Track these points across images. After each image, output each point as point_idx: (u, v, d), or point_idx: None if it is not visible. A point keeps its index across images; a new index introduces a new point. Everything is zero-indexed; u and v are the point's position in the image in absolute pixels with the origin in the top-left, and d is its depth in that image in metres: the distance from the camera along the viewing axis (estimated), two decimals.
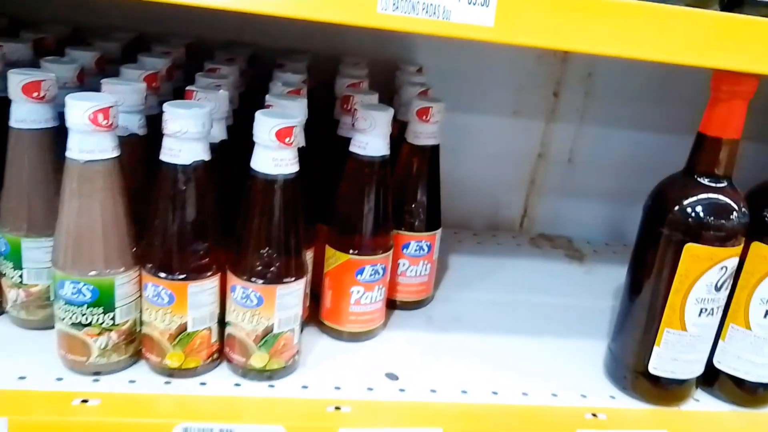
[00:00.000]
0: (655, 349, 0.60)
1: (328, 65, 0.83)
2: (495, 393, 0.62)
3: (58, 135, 0.57)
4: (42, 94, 0.55)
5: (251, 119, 0.54)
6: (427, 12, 0.47)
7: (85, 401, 0.53)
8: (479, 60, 0.94)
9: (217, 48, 0.81)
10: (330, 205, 0.66)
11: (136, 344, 0.57)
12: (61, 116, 0.57)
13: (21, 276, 0.58)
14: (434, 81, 0.81)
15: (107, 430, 0.51)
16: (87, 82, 0.64)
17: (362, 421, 0.55)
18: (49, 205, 0.57)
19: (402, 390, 0.60)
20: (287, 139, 0.53)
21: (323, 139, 0.68)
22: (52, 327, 0.60)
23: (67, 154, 0.51)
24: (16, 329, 0.61)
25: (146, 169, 0.59)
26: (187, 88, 0.60)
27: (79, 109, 0.49)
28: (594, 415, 0.60)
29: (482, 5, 0.48)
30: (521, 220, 1.04)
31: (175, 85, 0.70)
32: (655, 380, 0.61)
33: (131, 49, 0.77)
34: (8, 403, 0.51)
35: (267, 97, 0.61)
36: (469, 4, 0.48)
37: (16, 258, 0.58)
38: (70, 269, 0.53)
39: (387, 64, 0.90)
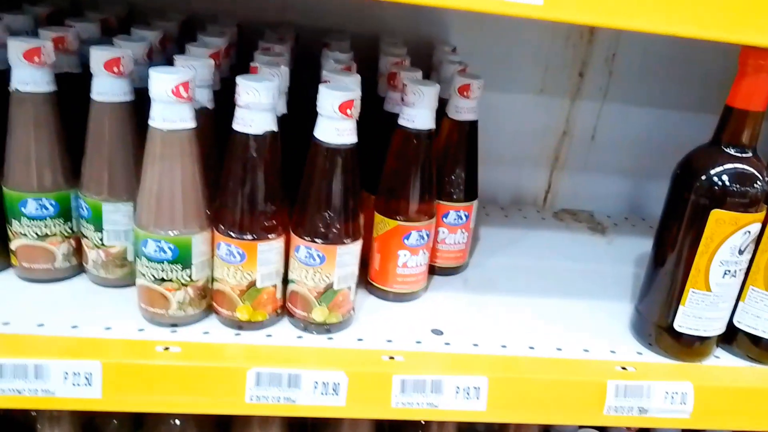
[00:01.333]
0: (681, 308, 0.65)
1: (365, 44, 0.88)
2: (532, 348, 0.67)
3: (133, 107, 0.62)
4: (121, 69, 0.60)
5: (300, 95, 0.59)
6: None
7: (166, 348, 0.58)
8: (508, 40, 0.98)
9: (265, 28, 0.85)
10: (376, 175, 0.71)
11: (207, 299, 0.63)
12: (135, 90, 0.63)
13: (101, 238, 0.63)
14: (464, 60, 0.86)
15: (189, 373, 0.57)
16: (154, 58, 0.69)
17: (414, 368, 0.61)
18: (127, 172, 0.63)
19: (447, 344, 0.66)
20: (348, 111, 0.58)
21: (367, 113, 0.73)
22: (128, 285, 0.66)
23: (150, 123, 0.56)
24: (95, 287, 0.66)
25: (214, 139, 0.64)
26: (252, 64, 0.65)
27: (163, 81, 0.54)
28: (623, 368, 0.65)
29: None
30: (545, 195, 1.09)
31: (231, 63, 0.75)
32: (679, 336, 0.67)
33: (186, 29, 0.82)
34: (99, 350, 0.57)
35: (324, 72, 0.66)
36: None
37: (97, 221, 0.63)
38: (152, 229, 0.58)
39: (420, 43, 0.94)
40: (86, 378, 0.56)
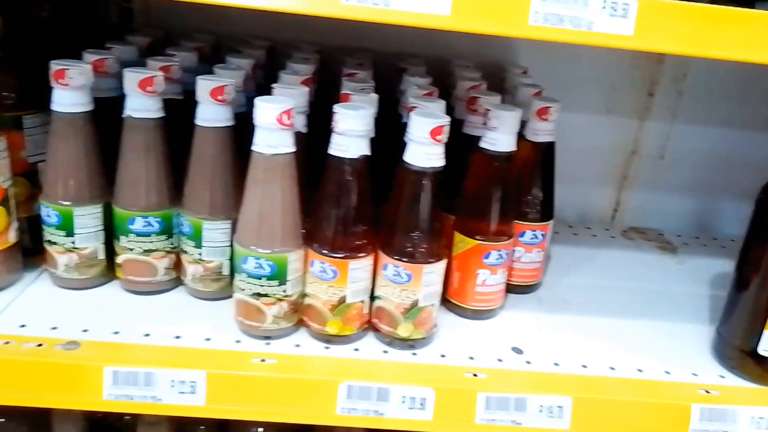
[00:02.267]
0: (765, 332, 0.65)
1: (435, 68, 0.90)
2: (612, 368, 0.68)
3: (234, 131, 0.66)
4: (224, 97, 0.64)
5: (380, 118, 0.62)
6: (572, 24, 0.54)
7: (263, 360, 0.62)
8: (575, 61, 0.99)
9: (344, 54, 0.89)
10: (454, 195, 0.73)
11: (298, 313, 0.66)
12: (235, 115, 0.67)
13: (200, 253, 0.67)
14: (532, 80, 0.88)
15: (284, 384, 0.60)
16: (246, 85, 0.73)
17: (498, 387, 0.63)
18: (226, 192, 0.67)
19: (528, 362, 0.67)
20: (439, 137, 0.61)
21: None
22: (222, 298, 0.70)
23: (254, 148, 0.60)
24: (192, 299, 0.70)
25: (306, 161, 0.68)
26: (342, 91, 0.68)
27: (268, 110, 0.58)
28: (707, 391, 0.65)
29: (622, 17, 0.54)
30: (613, 213, 1.09)
31: (315, 87, 0.79)
32: (764, 361, 0.66)
33: (270, 56, 0.86)
34: (203, 359, 0.61)
35: (410, 99, 0.69)
36: (611, 16, 0.54)
37: (197, 238, 0.67)
38: (252, 247, 0.61)
39: (488, 64, 0.96)
40: (191, 386, 0.59)
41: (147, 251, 0.68)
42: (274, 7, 0.53)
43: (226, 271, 0.69)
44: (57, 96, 0.63)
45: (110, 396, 0.59)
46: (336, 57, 0.89)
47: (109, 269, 0.70)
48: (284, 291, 0.63)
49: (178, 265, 0.70)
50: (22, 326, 0.62)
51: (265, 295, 0.63)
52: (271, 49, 0.88)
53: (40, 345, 0.60)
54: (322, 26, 0.82)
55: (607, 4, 0.54)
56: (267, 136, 0.59)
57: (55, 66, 0.62)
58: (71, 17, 0.80)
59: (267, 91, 0.76)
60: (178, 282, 0.71)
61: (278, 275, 0.62)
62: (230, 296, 0.70)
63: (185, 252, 0.69)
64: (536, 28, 0.54)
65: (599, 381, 0.66)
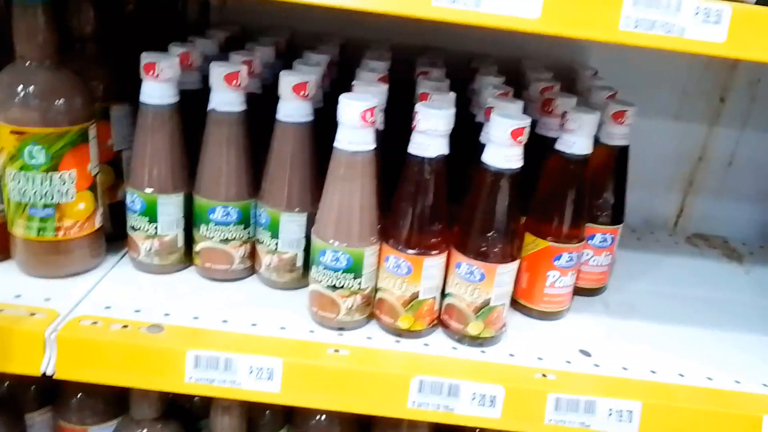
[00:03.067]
0: None
1: (503, 67, 0.90)
2: (681, 375, 0.67)
3: (313, 127, 0.68)
4: (307, 93, 0.66)
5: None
6: (663, 29, 0.54)
7: (336, 351, 0.63)
8: (647, 64, 0.98)
9: (413, 52, 0.90)
10: (527, 196, 0.73)
11: (370, 307, 0.67)
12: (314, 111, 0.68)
13: (276, 244, 0.69)
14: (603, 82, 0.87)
15: (358, 376, 0.62)
16: (324, 82, 0.75)
17: (568, 388, 0.63)
18: (304, 187, 0.68)
19: (596, 366, 0.67)
20: (519, 138, 0.61)
21: None
22: (295, 288, 0.72)
23: (336, 145, 0.61)
24: (266, 288, 0.72)
25: (381, 159, 0.69)
26: (420, 90, 0.69)
27: (353, 108, 0.59)
28: None
29: (715, 23, 0.54)
30: (676, 218, 1.07)
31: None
32: None
33: (343, 52, 0.88)
34: (279, 347, 0.63)
35: (489, 99, 0.69)
36: (704, 22, 0.54)
37: (274, 229, 0.69)
38: (331, 240, 0.63)
39: (557, 65, 0.96)
40: (268, 373, 0.61)
41: (225, 240, 0.70)
42: (365, 7, 0.54)
43: (299, 263, 0.70)
44: (146, 88, 0.66)
45: (192, 379, 0.61)
46: (404, 54, 0.90)
47: (187, 256, 0.72)
48: (359, 284, 0.64)
49: (253, 255, 0.72)
50: (107, 308, 0.65)
51: (341, 288, 0.64)
52: (343, 46, 0.89)
53: (125, 327, 0.62)
54: (392, 23, 0.83)
55: (700, 11, 0.53)
56: (350, 133, 0.61)
57: (145, 59, 0.65)
58: (153, 12, 0.82)
59: (342, 87, 0.77)
60: (252, 271, 0.73)
61: (354, 269, 0.64)
62: (302, 287, 0.72)
63: (261, 242, 0.71)
64: (627, 34, 0.54)
65: (668, 388, 0.65)
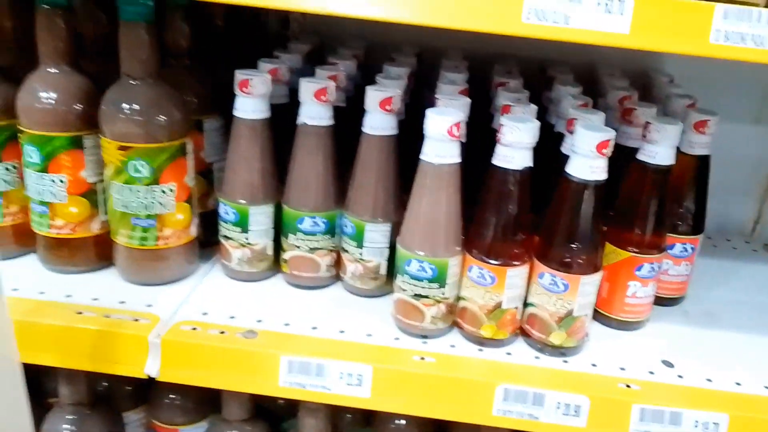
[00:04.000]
0: None
1: (577, 74, 0.90)
2: (767, 387, 0.67)
3: (398, 139, 0.70)
4: (392, 107, 0.68)
5: None
6: (754, 42, 0.54)
7: (422, 358, 0.65)
8: (725, 69, 0.96)
9: (485, 60, 0.91)
10: (607, 205, 0.73)
11: (453, 315, 0.69)
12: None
13: (361, 253, 0.72)
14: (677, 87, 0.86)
15: (444, 383, 0.63)
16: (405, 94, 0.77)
17: (652, 399, 0.63)
18: (389, 197, 0.70)
19: (680, 377, 0.67)
20: (605, 150, 0.61)
21: None
22: (378, 295, 0.74)
23: (423, 157, 0.63)
24: (350, 295, 0.75)
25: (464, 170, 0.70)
26: (502, 102, 0.70)
27: (440, 122, 0.61)
28: None
29: None
30: (753, 225, 1.05)
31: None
32: None
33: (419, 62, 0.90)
34: (367, 354, 0.65)
35: (570, 111, 0.70)
36: None
37: (359, 238, 0.71)
38: (417, 250, 0.65)
39: (631, 70, 0.95)
40: (358, 378, 0.63)
41: (312, 249, 0.72)
42: (456, 25, 0.56)
43: (383, 271, 0.73)
44: (240, 103, 0.69)
45: (285, 383, 0.64)
46: (477, 62, 0.91)
47: (275, 264, 0.76)
48: (443, 293, 0.66)
49: (337, 263, 0.75)
50: (205, 314, 0.68)
51: (425, 297, 0.66)
52: (419, 56, 0.91)
53: (222, 332, 0.66)
54: (467, 33, 0.85)
55: None
56: (437, 146, 0.62)
57: (240, 76, 0.68)
58: (238, 26, 0.86)
59: (420, 97, 0.79)
60: (336, 278, 0.76)
61: (439, 278, 0.65)
62: (385, 294, 0.74)
63: (346, 251, 0.73)
64: (717, 47, 0.54)
65: (755, 400, 0.65)
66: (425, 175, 0.64)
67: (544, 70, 0.92)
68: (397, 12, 0.55)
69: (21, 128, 0.67)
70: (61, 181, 0.67)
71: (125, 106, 0.65)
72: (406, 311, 0.68)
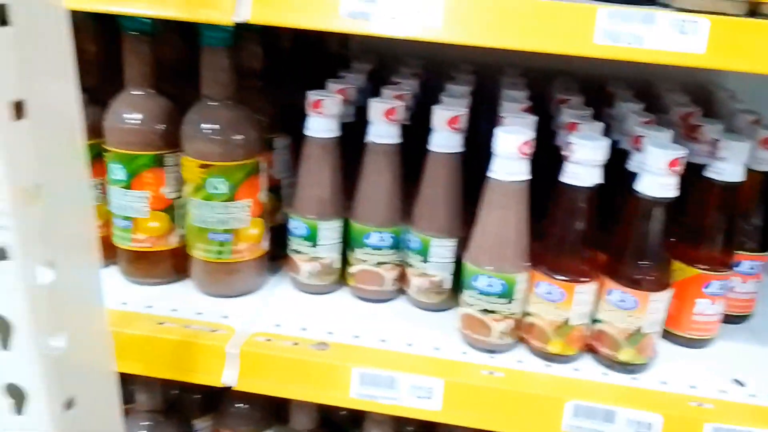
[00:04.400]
0: None
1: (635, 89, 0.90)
2: None
3: (463, 157, 0.71)
4: (459, 126, 0.69)
5: None
6: None
7: (491, 373, 0.66)
8: None
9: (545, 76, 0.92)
10: (675, 223, 0.73)
11: (519, 330, 0.70)
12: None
13: (426, 268, 0.73)
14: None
15: (514, 397, 0.64)
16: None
17: (726, 418, 0.62)
18: (454, 213, 0.72)
19: (752, 396, 0.66)
20: (675, 168, 0.62)
21: None
22: (442, 309, 0.75)
23: (492, 175, 0.64)
24: (414, 309, 0.76)
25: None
26: (569, 120, 0.71)
27: (510, 140, 0.62)
28: None
29: None
30: None
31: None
32: None
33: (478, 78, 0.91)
34: (436, 367, 0.66)
35: (636, 128, 0.70)
36: None
37: (424, 253, 0.73)
38: (485, 265, 0.66)
39: (690, 84, 0.95)
40: (428, 392, 0.65)
41: (378, 263, 0.74)
42: (527, 47, 0.57)
43: (447, 285, 0.74)
44: (312, 123, 0.71)
45: (357, 395, 0.66)
46: (532, 78, 0.92)
47: (341, 277, 0.78)
48: (511, 309, 0.67)
49: (402, 277, 0.77)
50: (277, 326, 0.70)
51: (493, 312, 0.67)
52: (475, 73, 0.93)
53: (295, 344, 0.68)
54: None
55: None
56: (506, 164, 0.64)
57: (312, 96, 0.70)
58: (301, 46, 0.89)
59: (477, 115, 0.80)
60: (400, 292, 0.77)
61: (507, 294, 0.66)
62: (449, 308, 0.75)
63: (411, 265, 0.75)
64: None
65: None
66: (494, 192, 0.65)
67: (602, 86, 0.93)
68: (474, 36, 0.57)
69: (106, 147, 0.71)
70: (144, 198, 0.71)
71: (206, 126, 0.68)
72: (474, 326, 0.69)
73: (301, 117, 0.73)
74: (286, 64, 0.85)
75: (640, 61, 0.56)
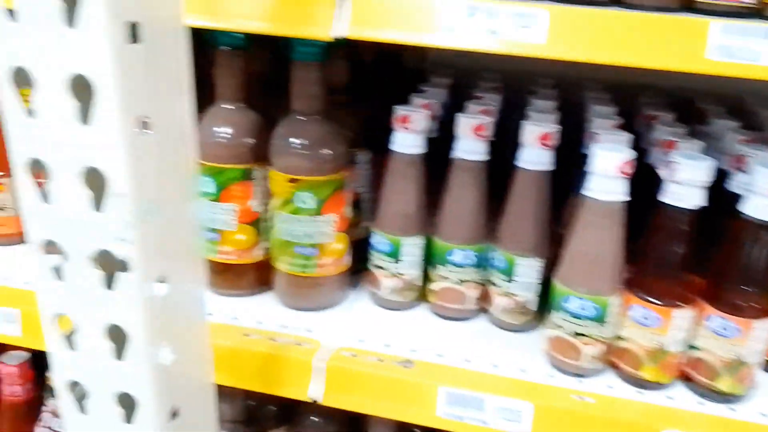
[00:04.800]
0: None
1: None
2: None
3: (552, 174, 0.70)
4: (550, 143, 0.68)
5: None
6: None
7: (581, 397, 0.64)
8: None
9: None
10: None
11: (610, 355, 0.67)
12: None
13: (511, 287, 0.72)
14: None
15: (606, 424, 0.62)
16: None
17: None
18: (542, 232, 0.70)
19: None
20: None
21: None
22: (527, 329, 0.73)
23: (588, 193, 0.63)
24: (495, 328, 0.75)
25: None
26: (666, 137, 0.69)
27: (610, 159, 0.61)
28: None
29: None
30: None
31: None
32: None
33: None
34: (523, 390, 0.64)
35: (738, 147, 0.68)
36: None
37: (509, 272, 0.71)
38: (578, 287, 0.64)
39: (728, 97, 0.91)
40: (516, 415, 0.63)
41: (461, 281, 0.73)
42: (633, 63, 0.55)
43: (532, 306, 0.72)
44: (399, 138, 0.71)
45: (442, 414, 0.65)
46: (618, 93, 0.89)
47: (422, 293, 0.77)
48: (602, 332, 0.65)
49: (484, 296, 0.75)
50: (361, 341, 0.70)
51: (584, 335, 0.65)
52: (556, 87, 0.91)
53: (380, 360, 0.67)
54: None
55: None
56: (604, 183, 0.62)
57: (400, 111, 0.70)
58: (380, 60, 0.89)
59: (567, 132, 0.78)
60: (482, 310, 0.76)
61: (599, 317, 0.64)
62: (533, 329, 0.73)
63: (494, 284, 0.73)
64: None
65: None
66: (589, 211, 0.63)
67: (690, 101, 0.90)
68: (580, 52, 0.55)
69: None
70: (232, 211, 0.72)
71: (296, 141, 0.68)
72: (562, 348, 0.67)
73: (382, 131, 0.72)
74: (368, 78, 0.85)
75: (757, 78, 0.54)
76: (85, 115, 0.40)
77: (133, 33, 0.40)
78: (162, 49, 0.42)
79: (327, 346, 0.68)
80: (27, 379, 0.91)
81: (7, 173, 0.80)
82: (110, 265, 0.44)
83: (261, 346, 0.67)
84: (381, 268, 0.75)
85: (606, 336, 0.66)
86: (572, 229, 0.65)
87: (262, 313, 0.73)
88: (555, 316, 0.67)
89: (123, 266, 0.42)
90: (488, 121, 0.70)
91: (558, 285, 0.66)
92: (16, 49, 0.39)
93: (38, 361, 0.92)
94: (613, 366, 0.68)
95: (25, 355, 0.90)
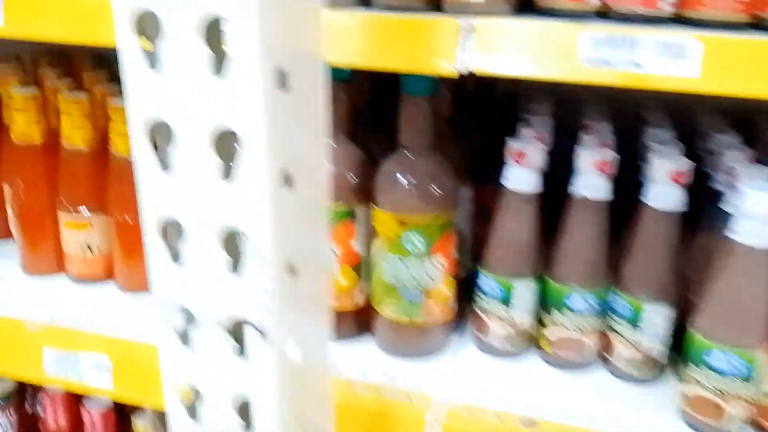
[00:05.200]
0: None
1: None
2: None
3: (683, 216, 0.64)
4: (683, 181, 0.62)
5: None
6: None
7: None
8: None
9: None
10: None
11: (758, 415, 0.60)
12: None
13: (637, 335, 0.65)
14: None
15: None
16: None
17: None
18: (673, 276, 0.64)
19: None
20: None
21: None
22: (652, 382, 0.67)
23: (736, 237, 0.57)
24: (617, 380, 0.68)
25: None
26: (730, 164, 0.63)
27: (765, 200, 0.55)
28: None
29: None
30: None
31: None
32: None
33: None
34: None
35: None
36: None
37: (635, 319, 0.65)
38: (722, 339, 0.58)
39: None
40: None
41: (579, 328, 0.67)
42: (709, 90, 0.50)
43: (662, 358, 0.66)
44: (514, 174, 0.66)
45: None
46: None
47: (532, 340, 0.71)
48: (752, 391, 0.58)
49: (603, 344, 0.69)
50: (474, 396, 0.64)
51: (727, 393, 0.59)
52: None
53: (499, 419, 0.62)
54: None
55: None
56: (758, 227, 0.56)
57: (514, 146, 0.65)
58: (479, 86, 0.84)
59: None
60: (601, 360, 0.70)
61: (749, 374, 0.58)
62: (658, 381, 0.67)
63: (617, 332, 0.67)
64: None
65: None
66: (737, 258, 0.57)
67: (753, 122, 0.82)
68: (736, 86, 0.50)
69: None
70: (335, 253, 0.67)
71: (406, 178, 0.64)
72: (701, 407, 0.60)
73: (484, 164, 0.67)
74: (467, 109, 0.80)
75: None
76: (227, 171, 0.36)
77: (282, 81, 0.36)
78: (306, 96, 0.38)
79: (438, 401, 0.63)
80: (111, 428, 0.86)
81: (97, 211, 0.78)
82: (240, 333, 0.40)
83: (369, 402, 0.63)
84: (488, 312, 0.70)
85: (756, 395, 0.59)
86: (716, 275, 0.59)
87: (364, 361, 0.68)
88: (694, 371, 0.61)
89: (263, 334, 0.38)
90: (612, 157, 0.64)
91: (697, 335, 0.60)
92: (156, 100, 0.36)
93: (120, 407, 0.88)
94: (761, 429, 0.61)
95: (109, 401, 0.86)
